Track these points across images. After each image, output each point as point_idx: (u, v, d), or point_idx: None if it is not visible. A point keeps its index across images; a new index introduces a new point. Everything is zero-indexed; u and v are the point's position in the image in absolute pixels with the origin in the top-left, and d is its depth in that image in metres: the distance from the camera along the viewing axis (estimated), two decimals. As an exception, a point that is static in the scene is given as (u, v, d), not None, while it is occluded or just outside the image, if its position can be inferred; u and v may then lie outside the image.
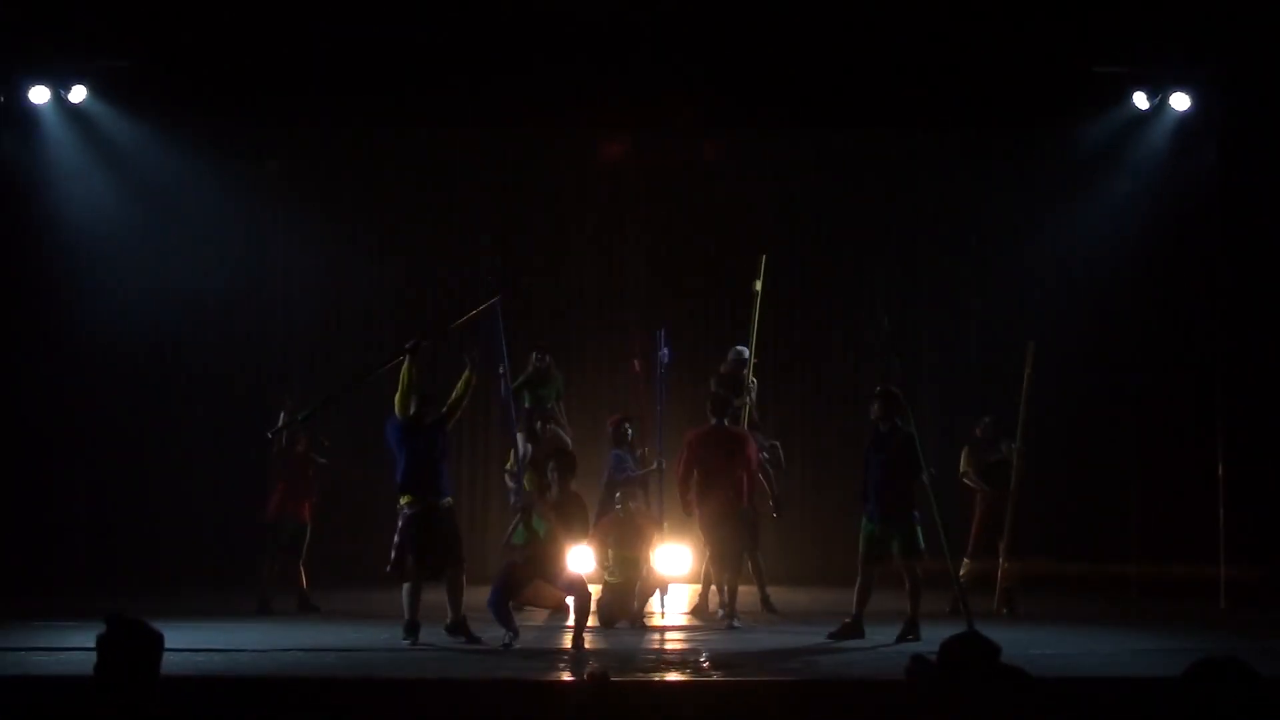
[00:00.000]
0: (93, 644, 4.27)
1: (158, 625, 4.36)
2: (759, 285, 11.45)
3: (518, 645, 9.38)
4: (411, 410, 9.83)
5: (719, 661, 8.85)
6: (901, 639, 9.75)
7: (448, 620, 9.75)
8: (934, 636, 9.70)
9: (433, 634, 9.66)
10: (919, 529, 10.10)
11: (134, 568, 13.62)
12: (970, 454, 12.23)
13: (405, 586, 9.68)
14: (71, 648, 8.57)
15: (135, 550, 13.82)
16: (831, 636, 9.89)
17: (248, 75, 12.83)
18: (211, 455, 14.90)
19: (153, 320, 14.21)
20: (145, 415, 14.26)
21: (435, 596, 9.88)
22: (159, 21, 12.27)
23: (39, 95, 12.75)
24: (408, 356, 9.91)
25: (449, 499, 9.98)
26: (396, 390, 9.85)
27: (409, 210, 15.19)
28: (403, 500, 9.77)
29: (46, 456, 12.94)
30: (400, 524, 9.74)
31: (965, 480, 12.20)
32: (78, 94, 12.87)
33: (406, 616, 9.63)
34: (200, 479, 14.88)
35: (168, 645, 4.38)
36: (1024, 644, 8.71)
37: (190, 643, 8.80)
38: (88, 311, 13.20)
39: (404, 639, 9.54)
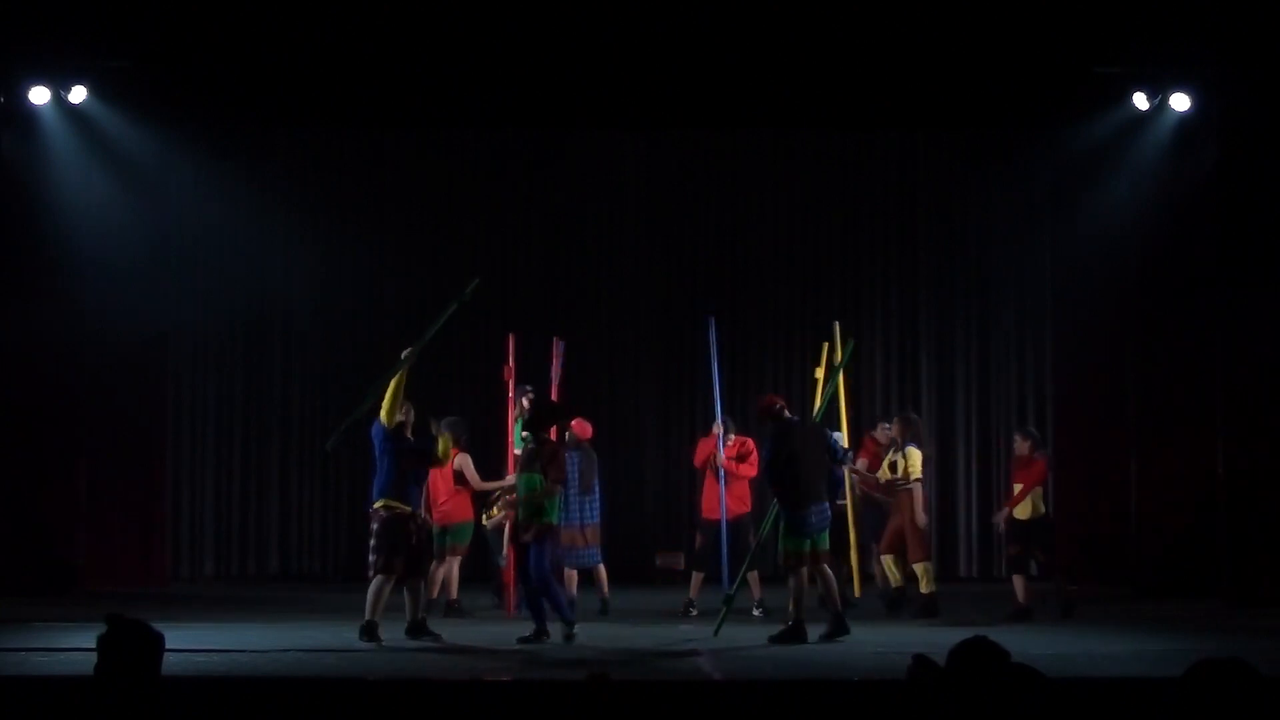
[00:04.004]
0: (93, 644, 4.27)
1: (158, 626, 4.36)
2: (839, 360, 10.75)
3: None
4: (398, 419, 9.88)
5: (719, 661, 8.85)
6: (780, 640, 9.74)
7: (407, 624, 9.86)
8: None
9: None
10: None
11: (132, 567, 13.63)
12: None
13: (377, 585, 9.72)
14: (71, 648, 8.57)
15: (133, 549, 13.82)
16: (822, 639, 9.90)
17: (248, 75, 12.82)
18: (210, 455, 14.91)
19: (152, 320, 14.18)
20: (144, 414, 14.25)
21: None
22: (159, 21, 12.25)
23: (39, 95, 12.73)
24: (404, 366, 9.88)
25: (422, 513, 10.16)
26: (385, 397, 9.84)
27: (410, 211, 15.17)
28: (378, 505, 9.87)
29: (46, 456, 12.93)
30: (377, 527, 9.83)
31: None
32: (78, 94, 12.84)
33: (368, 617, 9.67)
34: (199, 479, 14.88)
35: (168, 645, 4.38)
36: (1024, 644, 8.69)
37: (190, 643, 8.81)
38: (87, 311, 13.17)
39: (363, 640, 9.59)
